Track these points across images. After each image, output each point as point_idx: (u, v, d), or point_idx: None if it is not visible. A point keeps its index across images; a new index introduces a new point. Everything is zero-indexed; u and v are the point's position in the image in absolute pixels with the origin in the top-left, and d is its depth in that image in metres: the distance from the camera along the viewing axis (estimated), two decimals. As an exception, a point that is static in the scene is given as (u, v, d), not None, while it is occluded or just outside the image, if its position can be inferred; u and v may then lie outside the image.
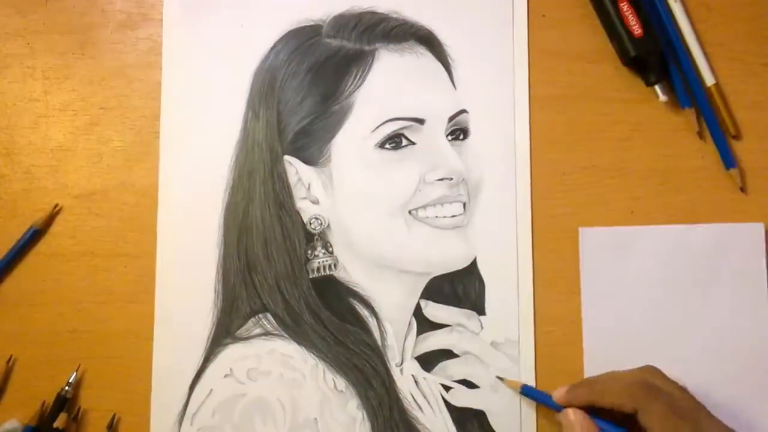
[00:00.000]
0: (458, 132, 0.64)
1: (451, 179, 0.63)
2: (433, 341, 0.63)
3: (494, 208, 0.64)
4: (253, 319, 0.63)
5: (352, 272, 0.63)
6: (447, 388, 0.62)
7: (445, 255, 0.63)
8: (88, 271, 0.65)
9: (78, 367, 0.63)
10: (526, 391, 0.60)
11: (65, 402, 0.62)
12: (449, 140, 0.64)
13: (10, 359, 0.64)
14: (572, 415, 0.56)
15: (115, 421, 0.63)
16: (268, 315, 0.63)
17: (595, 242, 0.63)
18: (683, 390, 0.56)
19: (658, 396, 0.54)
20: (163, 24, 0.68)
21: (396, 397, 0.62)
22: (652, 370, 0.56)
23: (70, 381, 0.63)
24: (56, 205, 0.65)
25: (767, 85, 0.64)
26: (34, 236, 0.65)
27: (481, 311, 0.63)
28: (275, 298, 0.63)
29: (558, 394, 0.57)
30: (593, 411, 0.56)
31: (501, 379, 0.61)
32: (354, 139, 0.63)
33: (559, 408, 0.57)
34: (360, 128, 0.63)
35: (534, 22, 0.66)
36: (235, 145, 0.65)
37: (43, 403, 0.63)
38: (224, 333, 0.63)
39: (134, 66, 0.67)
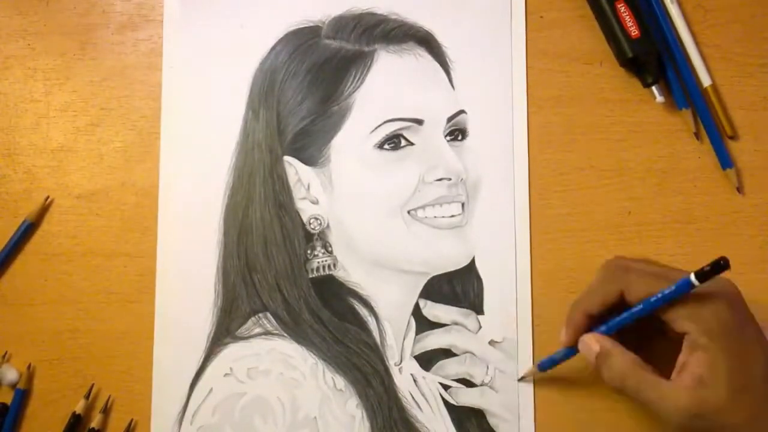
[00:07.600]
0: (457, 132, 0.65)
1: (450, 179, 0.63)
2: (432, 340, 0.63)
3: (493, 208, 0.64)
4: (253, 318, 0.63)
5: (352, 272, 0.64)
6: (446, 387, 0.62)
7: (443, 255, 0.64)
8: (89, 270, 0.65)
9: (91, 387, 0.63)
10: (543, 366, 0.60)
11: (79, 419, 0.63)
12: (448, 141, 0.64)
13: (5, 354, 0.64)
14: (586, 339, 0.56)
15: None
16: (268, 314, 0.63)
17: None
18: (650, 260, 0.59)
19: (631, 268, 0.55)
20: (164, 25, 0.68)
21: (395, 396, 0.62)
22: (616, 257, 0.58)
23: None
24: (47, 197, 0.66)
25: (763, 85, 0.65)
26: (29, 230, 0.65)
27: (479, 310, 0.63)
28: (275, 298, 0.63)
29: (563, 338, 0.58)
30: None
31: (522, 379, 0.62)
32: (353, 139, 0.63)
33: (574, 350, 0.57)
34: (359, 129, 0.63)
35: (532, 23, 0.66)
36: (235, 145, 0.65)
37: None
38: (224, 332, 0.63)
39: (135, 67, 0.68)
